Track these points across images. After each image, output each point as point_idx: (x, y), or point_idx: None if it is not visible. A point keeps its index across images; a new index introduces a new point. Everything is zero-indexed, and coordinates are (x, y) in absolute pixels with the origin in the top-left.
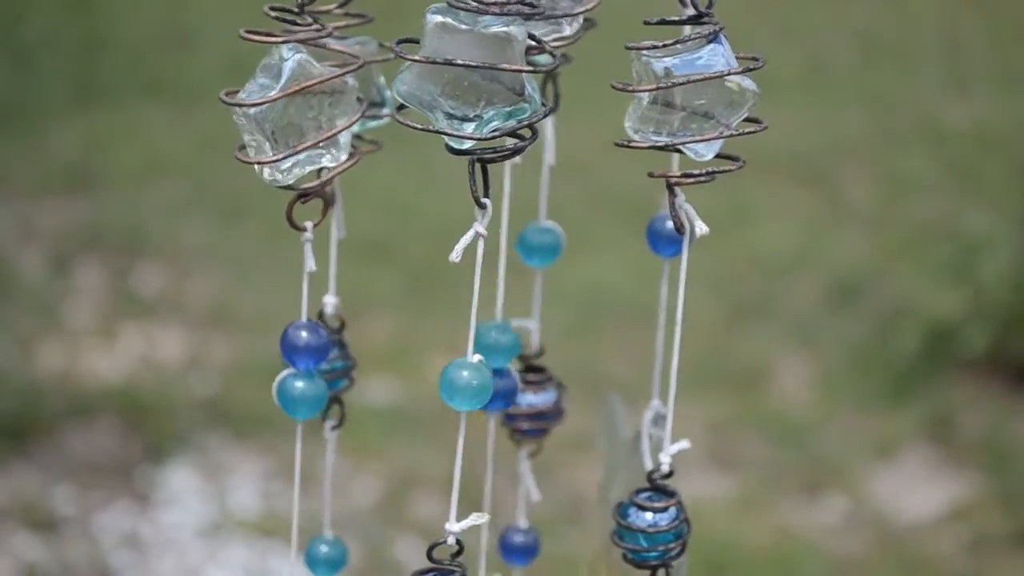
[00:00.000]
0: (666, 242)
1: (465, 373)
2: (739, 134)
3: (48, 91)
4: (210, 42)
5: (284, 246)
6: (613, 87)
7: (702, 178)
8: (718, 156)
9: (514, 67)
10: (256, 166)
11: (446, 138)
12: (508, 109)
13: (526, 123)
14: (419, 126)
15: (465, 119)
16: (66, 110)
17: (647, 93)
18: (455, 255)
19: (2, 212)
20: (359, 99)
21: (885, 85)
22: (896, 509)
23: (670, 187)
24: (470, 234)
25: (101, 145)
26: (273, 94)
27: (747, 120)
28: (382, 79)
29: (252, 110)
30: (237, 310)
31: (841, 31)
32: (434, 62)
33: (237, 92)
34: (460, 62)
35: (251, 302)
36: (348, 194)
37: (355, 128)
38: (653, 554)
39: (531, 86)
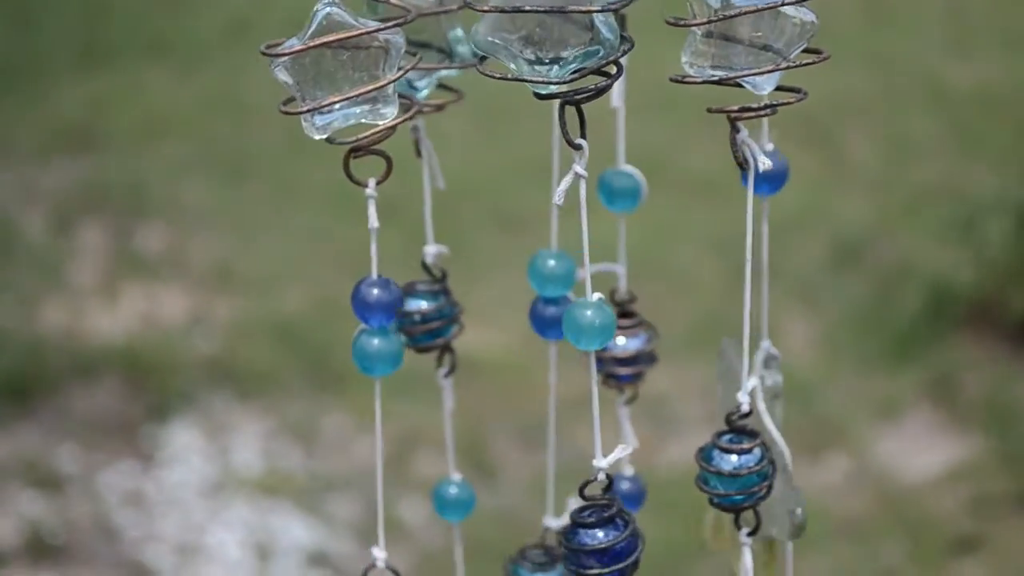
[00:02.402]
0: (766, 179)
1: (588, 312)
2: (798, 65)
3: (51, 52)
4: (213, 2)
5: (287, 206)
6: (667, 22)
7: (763, 111)
8: (778, 89)
9: (582, 7)
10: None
11: (530, 84)
12: (586, 49)
13: (608, 60)
14: (500, 75)
15: (544, 63)
16: (69, 71)
17: (701, 27)
18: (558, 198)
19: (5, 173)
20: (411, 54)
21: (888, 46)
22: (898, 469)
23: (732, 122)
24: (570, 176)
25: (104, 106)
26: (296, 46)
27: (806, 51)
28: (458, 30)
29: (285, 60)
30: (240, 270)
31: None
32: (503, 10)
33: (281, 43)
34: (529, 7)
35: (254, 262)
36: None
37: (424, 82)
38: (739, 497)
39: (604, 24)
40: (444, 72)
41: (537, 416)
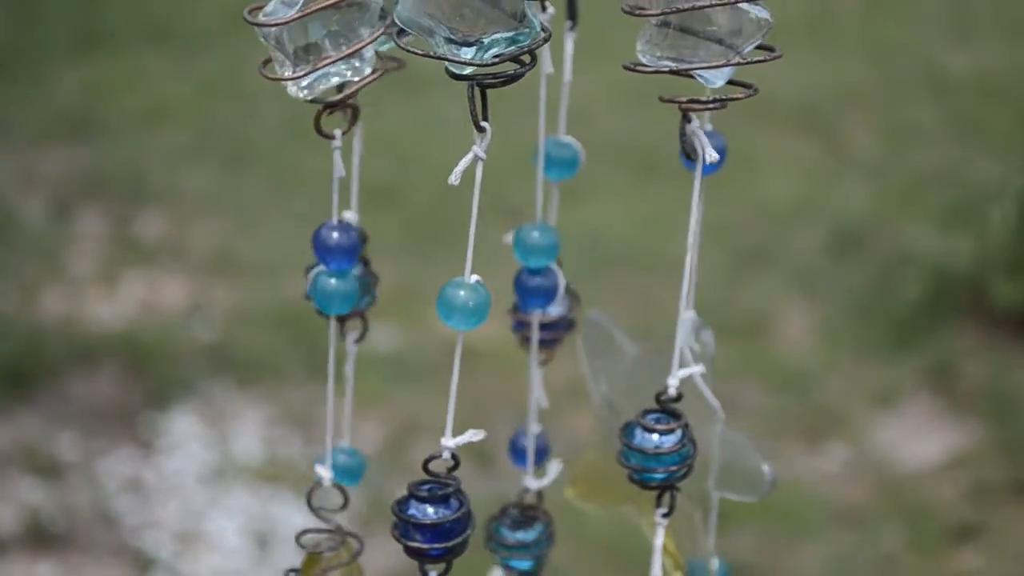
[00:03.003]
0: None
1: (462, 293)
2: (749, 62)
3: (50, 38)
4: None
5: (287, 193)
6: (623, 10)
7: (711, 105)
8: (730, 83)
9: None
10: (283, 83)
11: (447, 63)
12: (509, 35)
13: (527, 49)
14: (420, 52)
15: (465, 44)
16: (68, 57)
17: (656, 17)
18: (454, 177)
19: (4, 159)
20: (383, 14)
21: (888, 33)
22: (897, 457)
23: (684, 113)
24: (469, 157)
25: (103, 92)
26: (293, 13)
27: (759, 48)
28: None
29: (272, 28)
30: (240, 257)
31: None
32: None
33: (260, 9)
34: None
35: (254, 249)
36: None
37: (382, 44)
38: (659, 475)
39: (531, 12)
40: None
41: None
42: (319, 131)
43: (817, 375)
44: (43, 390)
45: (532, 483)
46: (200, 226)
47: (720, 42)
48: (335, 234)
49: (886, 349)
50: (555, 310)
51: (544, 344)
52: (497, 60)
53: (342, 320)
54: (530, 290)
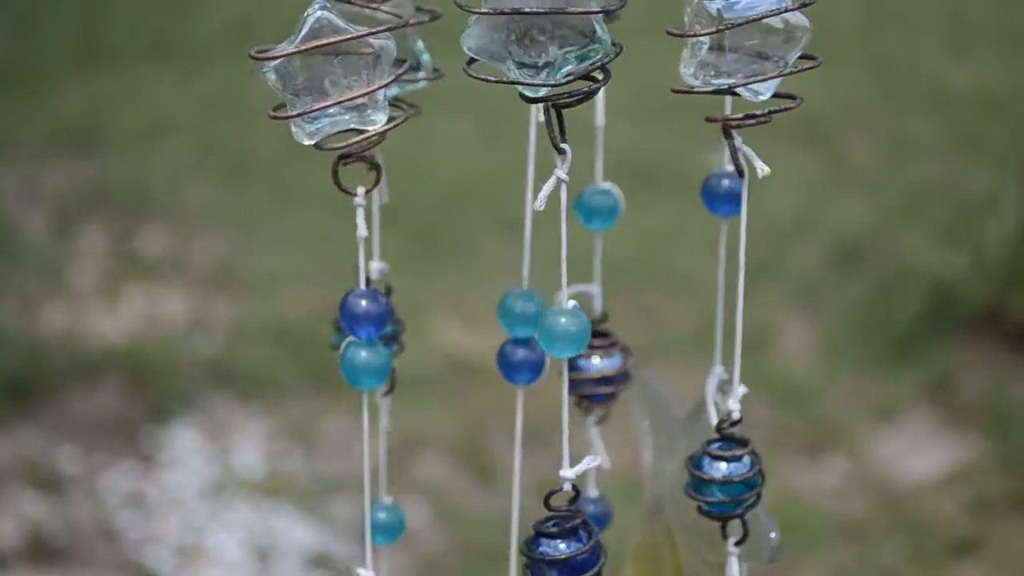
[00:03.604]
0: (723, 200)
1: (563, 320)
2: (797, 71)
3: (52, 52)
4: (215, 3)
5: (289, 208)
6: (669, 32)
7: (762, 118)
8: (774, 96)
9: (581, 9)
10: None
11: (519, 87)
12: (579, 52)
13: (599, 64)
14: (491, 78)
15: (536, 67)
16: (70, 71)
17: (706, 38)
18: (539, 203)
19: (6, 173)
20: (399, 61)
21: (888, 47)
22: (897, 471)
23: (727, 131)
24: (552, 180)
25: (105, 106)
26: (288, 49)
27: (802, 57)
28: (420, 43)
29: (275, 65)
30: (241, 272)
31: None
32: (501, 12)
33: (273, 47)
34: (528, 9)
35: (255, 264)
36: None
37: (392, 91)
38: (728, 506)
39: (601, 27)
40: (410, 85)
41: (536, 419)
42: (339, 186)
43: (817, 389)
44: (44, 404)
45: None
46: (202, 241)
47: (763, 56)
48: (363, 302)
49: (886, 363)
50: (608, 364)
51: (598, 400)
52: (570, 79)
53: None
54: (515, 364)
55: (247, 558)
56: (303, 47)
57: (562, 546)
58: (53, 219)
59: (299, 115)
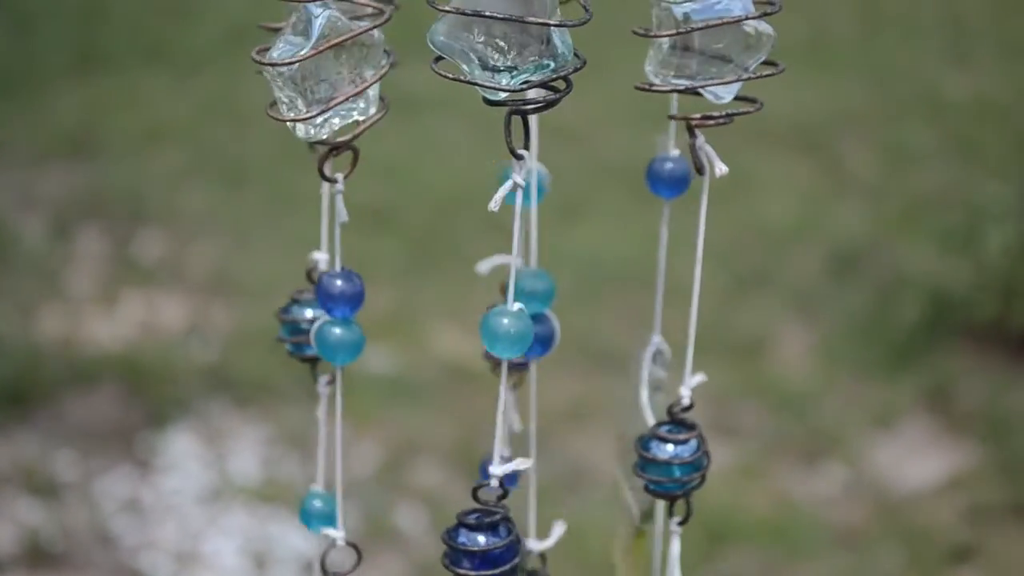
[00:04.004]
0: (666, 183)
1: (505, 320)
2: (757, 76)
3: (49, 58)
4: (211, 8)
5: (285, 213)
6: (634, 32)
7: (721, 119)
8: (736, 99)
9: (540, 20)
10: (289, 123)
11: (480, 89)
12: (539, 62)
13: (560, 75)
14: (453, 76)
15: (497, 70)
16: (67, 77)
17: (668, 39)
18: (494, 204)
19: (3, 179)
20: (386, 52)
21: (886, 55)
22: (895, 478)
23: (690, 129)
24: (508, 185)
25: (102, 112)
26: (305, 51)
27: (764, 63)
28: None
29: (284, 68)
30: (238, 277)
31: (843, 1)
32: (463, 13)
33: (267, 50)
34: (488, 13)
35: (252, 269)
36: (347, 162)
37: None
38: (673, 485)
39: (560, 39)
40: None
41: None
42: (323, 175)
43: (815, 396)
44: (41, 410)
45: (534, 545)
46: (198, 246)
47: (727, 59)
48: (339, 282)
49: (884, 370)
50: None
51: (514, 367)
52: (525, 87)
53: (315, 362)
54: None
55: (244, 564)
56: (323, 47)
57: (480, 538)
58: (50, 224)
59: (319, 114)
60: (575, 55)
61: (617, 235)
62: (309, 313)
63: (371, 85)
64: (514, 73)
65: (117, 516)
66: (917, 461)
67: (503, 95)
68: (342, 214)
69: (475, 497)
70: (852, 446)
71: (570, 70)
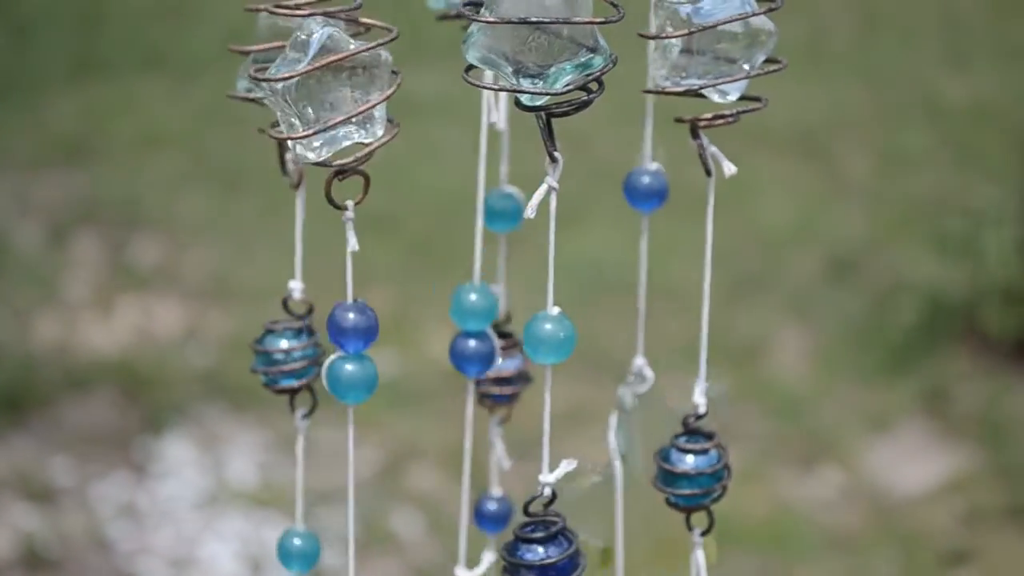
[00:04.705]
0: (642, 197)
1: (548, 326)
2: (764, 73)
3: (46, 64)
4: (208, 14)
5: (282, 219)
6: (640, 35)
7: (730, 119)
8: (741, 98)
9: (585, 20)
10: (288, 142)
11: (518, 95)
12: (580, 61)
13: (595, 75)
14: (491, 85)
15: (534, 76)
16: (64, 83)
17: (677, 40)
18: (530, 211)
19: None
20: (394, 72)
21: (884, 59)
22: (892, 482)
23: (694, 131)
24: (543, 189)
25: (99, 118)
26: (301, 67)
27: (767, 61)
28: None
29: (280, 85)
30: (234, 283)
31: (840, 4)
32: (509, 21)
33: (266, 68)
34: (534, 19)
35: (248, 275)
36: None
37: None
38: (696, 498)
39: (601, 37)
40: None
41: (529, 429)
42: (330, 200)
43: (812, 400)
44: (37, 415)
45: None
46: (194, 252)
47: (731, 59)
48: (351, 315)
49: (881, 374)
50: (512, 364)
51: (501, 400)
52: (569, 88)
53: (293, 394)
54: (467, 356)
55: (240, 569)
56: (319, 63)
57: (542, 551)
58: (46, 230)
59: (315, 133)
60: (610, 53)
61: (616, 240)
62: (284, 343)
63: (373, 107)
64: (549, 76)
65: (113, 521)
66: (914, 465)
67: (541, 100)
68: (353, 243)
69: (526, 512)
70: (849, 450)
71: (608, 68)
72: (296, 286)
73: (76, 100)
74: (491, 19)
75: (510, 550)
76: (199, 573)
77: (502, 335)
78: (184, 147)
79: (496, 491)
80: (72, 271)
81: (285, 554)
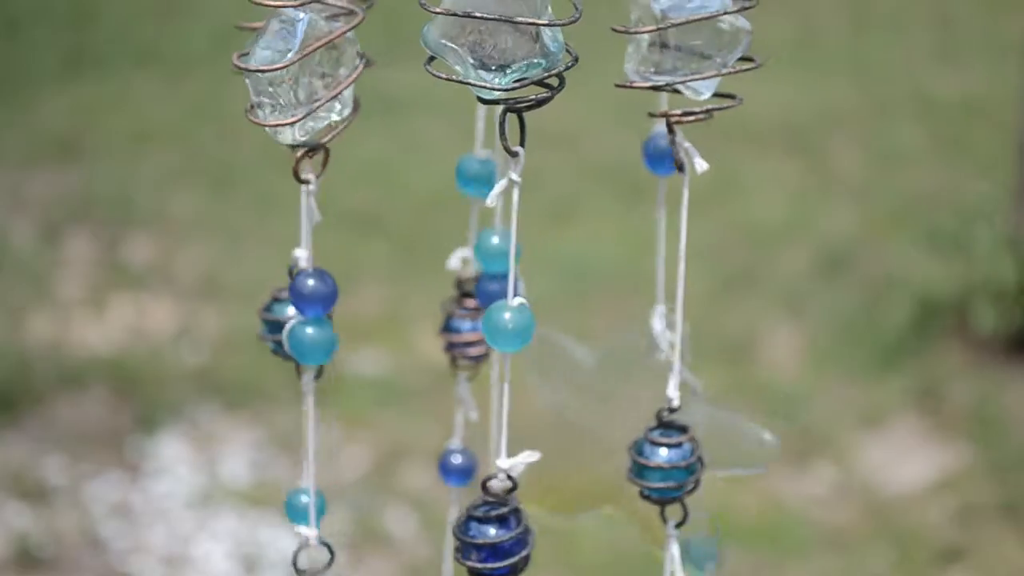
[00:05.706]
0: (659, 159)
1: (507, 315)
2: (736, 71)
3: (38, 61)
4: (200, 11)
5: (274, 216)
6: (614, 29)
7: (701, 115)
8: (715, 95)
9: (529, 20)
10: (270, 128)
11: (474, 88)
12: (529, 61)
13: (552, 73)
14: (447, 76)
15: (489, 70)
16: (56, 80)
17: (647, 35)
18: (491, 200)
19: None
20: (359, 53)
21: (875, 55)
22: (884, 479)
23: (670, 126)
24: (503, 182)
25: (91, 115)
26: (292, 56)
27: (742, 59)
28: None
29: (265, 75)
30: (227, 280)
31: (831, 1)
32: (453, 14)
33: (245, 55)
34: (479, 14)
35: (241, 272)
36: (335, 165)
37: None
38: (669, 491)
39: (550, 38)
40: None
41: (527, 423)
42: (298, 177)
43: (803, 397)
44: (30, 414)
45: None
46: (187, 250)
47: (705, 56)
48: (311, 282)
49: (872, 371)
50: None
51: (473, 360)
52: (519, 85)
53: (290, 358)
54: (491, 295)
55: (234, 567)
56: (308, 50)
57: (491, 531)
58: (39, 228)
59: (305, 116)
60: (567, 52)
61: (605, 237)
62: (291, 311)
63: (348, 85)
64: (507, 72)
65: (107, 520)
66: (906, 461)
67: (497, 94)
68: (315, 214)
69: (484, 489)
70: (841, 447)
71: (562, 67)
72: (302, 254)
73: (68, 97)
74: (438, 10)
75: (460, 528)
76: (193, 572)
77: (468, 295)
78: (176, 144)
79: (457, 442)
80: (65, 269)
81: (293, 510)
